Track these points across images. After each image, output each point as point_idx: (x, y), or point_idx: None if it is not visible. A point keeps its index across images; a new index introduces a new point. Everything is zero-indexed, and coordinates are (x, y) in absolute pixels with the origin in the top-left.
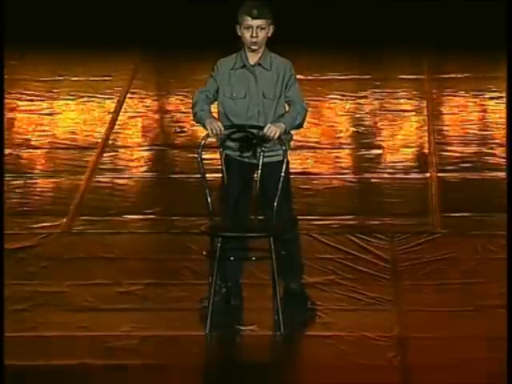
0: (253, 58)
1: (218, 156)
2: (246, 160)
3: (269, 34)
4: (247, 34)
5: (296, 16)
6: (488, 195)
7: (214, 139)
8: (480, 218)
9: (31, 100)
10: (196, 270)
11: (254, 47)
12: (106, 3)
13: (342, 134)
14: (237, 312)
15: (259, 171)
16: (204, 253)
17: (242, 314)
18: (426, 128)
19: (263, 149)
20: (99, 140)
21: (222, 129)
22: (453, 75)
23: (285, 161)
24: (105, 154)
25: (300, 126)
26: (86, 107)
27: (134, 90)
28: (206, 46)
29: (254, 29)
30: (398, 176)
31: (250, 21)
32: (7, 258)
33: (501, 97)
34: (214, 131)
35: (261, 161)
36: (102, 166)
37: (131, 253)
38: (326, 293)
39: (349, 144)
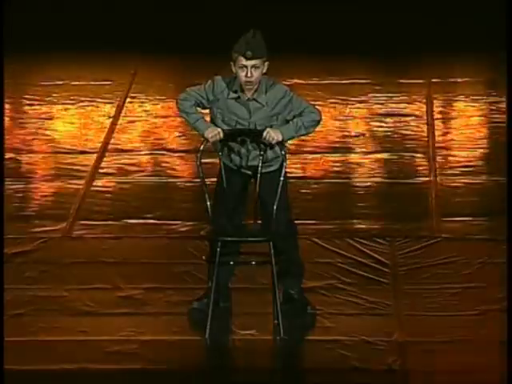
0: (248, 90)
1: (217, 161)
2: (242, 170)
3: (264, 71)
4: (242, 74)
5: (296, 21)
6: (488, 199)
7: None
8: (480, 223)
9: (31, 104)
10: (196, 275)
11: (248, 86)
12: (107, 8)
13: (341, 139)
14: (230, 315)
15: (258, 175)
16: (204, 257)
17: (232, 317)
18: (426, 132)
19: (261, 153)
20: (99, 144)
21: (222, 135)
22: (453, 79)
23: (284, 165)
24: (104, 159)
25: (307, 134)
26: (86, 111)
27: (134, 95)
28: (205, 51)
29: (249, 69)
30: (397, 180)
31: (244, 61)
32: (7, 263)
33: (501, 101)
34: (215, 138)
35: (260, 164)
36: (101, 171)
37: (131, 257)
38: (325, 297)
39: (348, 148)
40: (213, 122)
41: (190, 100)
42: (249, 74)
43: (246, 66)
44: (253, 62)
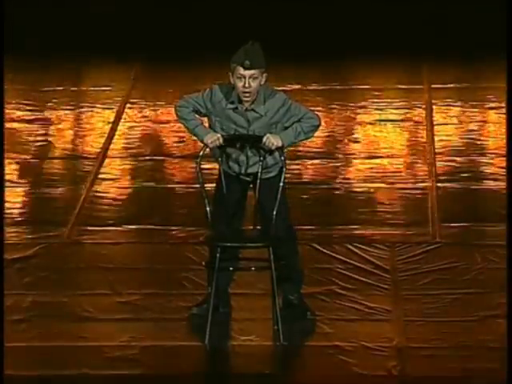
0: (246, 101)
1: (217, 166)
2: (241, 177)
3: (261, 83)
4: (239, 84)
5: (295, 27)
6: (487, 205)
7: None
8: (479, 228)
9: (31, 110)
10: (195, 280)
11: (246, 97)
12: (107, 14)
13: (341, 144)
14: (230, 321)
15: (258, 181)
16: (203, 263)
17: (232, 323)
18: (425, 138)
19: (261, 158)
20: (98, 150)
21: (221, 140)
22: (452, 85)
23: (283, 171)
24: (104, 164)
25: (307, 139)
26: (86, 117)
27: (134, 100)
28: (205, 56)
29: (247, 79)
30: (397, 186)
31: (242, 71)
32: (7, 268)
33: (500, 107)
34: (215, 144)
35: (259, 170)
36: (101, 176)
37: (131, 263)
38: (325, 303)
39: (348, 154)
40: (211, 129)
41: (188, 107)
42: (246, 84)
43: (244, 76)
44: (251, 72)
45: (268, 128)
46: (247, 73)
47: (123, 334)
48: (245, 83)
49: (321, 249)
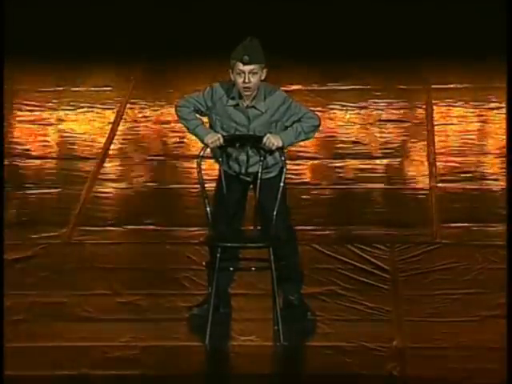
0: (247, 97)
1: (217, 166)
2: (241, 177)
3: (262, 78)
4: (239, 80)
5: (295, 27)
6: (487, 205)
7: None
8: (479, 228)
9: (31, 110)
10: (195, 280)
11: (246, 93)
12: (107, 14)
13: (341, 145)
14: (230, 321)
15: (258, 181)
16: (203, 263)
17: (232, 323)
18: (426, 138)
19: (261, 158)
20: (99, 150)
21: (222, 140)
22: (452, 85)
23: (284, 171)
24: (105, 165)
25: (307, 139)
26: (86, 117)
27: (134, 100)
28: (206, 56)
29: (246, 74)
30: (397, 186)
31: (241, 66)
32: (7, 268)
33: (501, 107)
34: (215, 144)
35: (260, 170)
36: (101, 177)
37: (131, 263)
38: (325, 303)
39: (348, 154)
40: (212, 128)
41: (189, 107)
42: (246, 80)
43: (243, 72)
44: (250, 68)
45: (268, 127)
46: (246, 68)
47: (123, 334)
48: (245, 79)
49: (321, 249)
